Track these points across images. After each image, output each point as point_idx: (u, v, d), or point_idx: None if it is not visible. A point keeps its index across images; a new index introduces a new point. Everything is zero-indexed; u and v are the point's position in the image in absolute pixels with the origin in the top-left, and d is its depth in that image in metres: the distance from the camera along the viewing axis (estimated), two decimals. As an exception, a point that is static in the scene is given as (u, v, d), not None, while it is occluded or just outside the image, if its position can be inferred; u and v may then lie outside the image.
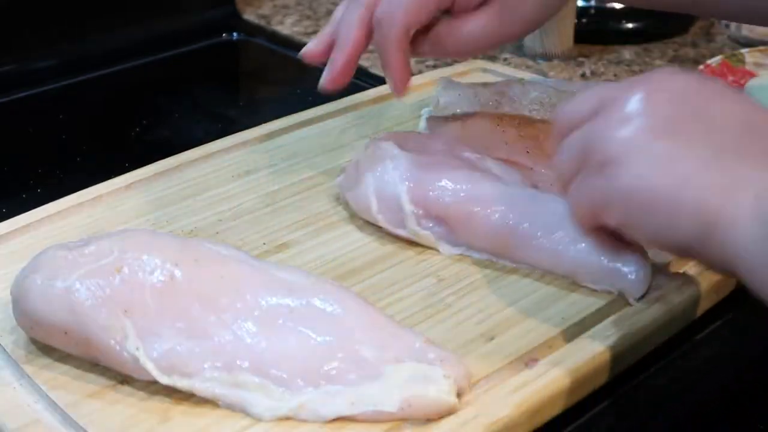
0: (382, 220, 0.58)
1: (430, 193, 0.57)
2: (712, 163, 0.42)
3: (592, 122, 0.46)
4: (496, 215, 0.55)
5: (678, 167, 0.43)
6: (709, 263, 0.45)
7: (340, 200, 0.62)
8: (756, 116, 0.44)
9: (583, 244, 0.53)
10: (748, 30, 0.94)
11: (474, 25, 0.59)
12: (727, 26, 0.96)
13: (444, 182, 0.57)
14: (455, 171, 0.58)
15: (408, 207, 0.56)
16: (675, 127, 0.44)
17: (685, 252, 0.45)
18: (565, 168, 0.48)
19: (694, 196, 0.42)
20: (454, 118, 0.67)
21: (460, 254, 0.57)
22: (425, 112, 0.70)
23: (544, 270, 0.54)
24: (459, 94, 0.69)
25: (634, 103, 0.45)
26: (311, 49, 0.62)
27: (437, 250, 0.57)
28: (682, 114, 0.44)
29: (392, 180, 0.57)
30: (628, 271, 0.52)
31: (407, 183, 0.57)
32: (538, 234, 0.54)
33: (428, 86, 0.77)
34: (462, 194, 0.56)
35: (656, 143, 0.43)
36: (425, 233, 0.57)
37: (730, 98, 0.45)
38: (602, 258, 0.53)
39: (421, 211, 0.57)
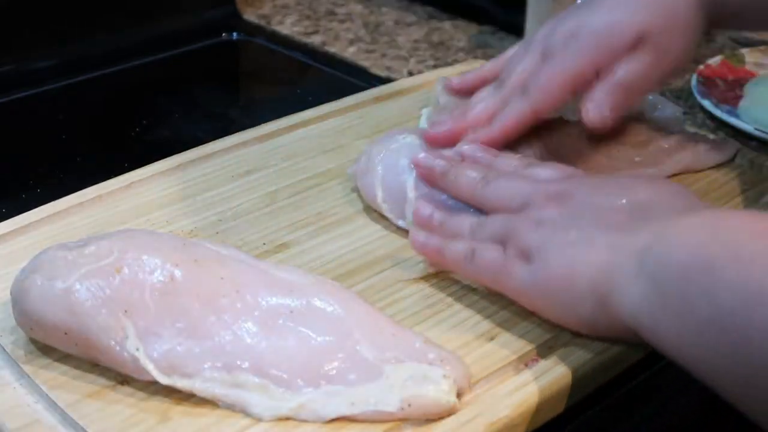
0: (386, 209, 0.58)
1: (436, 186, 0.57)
2: (600, 240, 0.46)
3: (515, 217, 0.51)
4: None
5: (570, 254, 0.47)
6: (618, 336, 0.48)
7: (341, 199, 0.62)
8: (639, 197, 0.49)
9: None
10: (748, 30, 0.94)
11: (633, 74, 0.59)
12: (727, 26, 0.96)
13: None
14: (462, 164, 0.58)
15: (411, 194, 0.57)
16: (573, 222, 0.48)
17: (594, 330, 0.48)
18: (484, 234, 0.52)
19: (586, 275, 0.46)
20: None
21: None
22: (425, 112, 0.70)
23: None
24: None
25: (548, 208, 0.50)
26: (461, 82, 0.66)
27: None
28: (581, 209, 0.49)
29: (402, 169, 0.58)
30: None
31: (415, 173, 0.58)
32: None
33: (428, 86, 0.77)
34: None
35: (555, 237, 0.48)
36: None
37: (633, 184, 0.50)
38: None
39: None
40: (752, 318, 0.38)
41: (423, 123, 0.69)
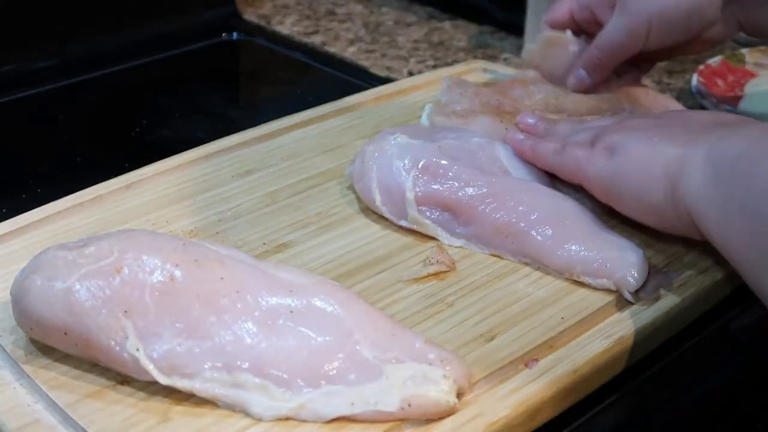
0: (386, 212, 0.59)
1: (435, 183, 0.57)
2: (680, 138, 0.51)
3: (609, 125, 0.58)
4: (500, 207, 0.56)
5: (652, 145, 0.52)
6: (679, 225, 0.51)
7: (341, 199, 0.62)
8: (728, 118, 0.55)
9: (582, 238, 0.54)
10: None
11: (603, 36, 0.68)
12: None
13: (450, 173, 0.57)
14: (462, 162, 0.58)
15: (410, 195, 0.57)
16: (660, 125, 0.55)
17: (663, 219, 0.52)
18: (577, 138, 0.58)
19: (663, 163, 0.51)
20: (456, 114, 0.67)
21: (460, 246, 0.57)
22: (428, 108, 0.70)
23: (542, 263, 0.55)
24: (461, 93, 0.70)
25: (636, 119, 0.58)
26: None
27: (438, 247, 0.57)
28: (668, 119, 0.56)
29: (397, 170, 0.58)
30: (624, 265, 0.52)
31: (413, 172, 0.58)
32: (539, 226, 0.55)
33: (428, 86, 0.77)
34: (467, 186, 0.57)
35: (641, 134, 0.54)
36: (426, 222, 0.57)
37: (712, 113, 0.57)
38: (599, 251, 0.53)
39: (424, 200, 0.57)
40: None
41: (424, 120, 0.69)
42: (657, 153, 0.52)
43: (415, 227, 0.58)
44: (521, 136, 0.61)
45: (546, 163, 0.59)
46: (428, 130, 0.64)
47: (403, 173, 0.58)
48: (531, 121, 0.64)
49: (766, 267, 0.44)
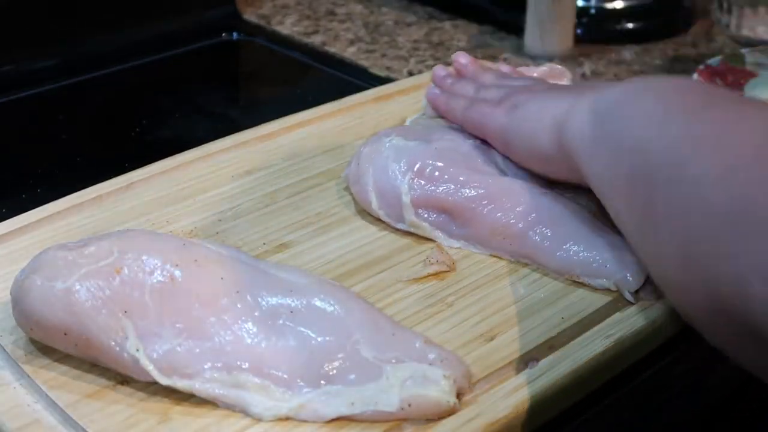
0: (383, 215, 0.58)
1: (432, 185, 0.57)
2: (573, 92, 0.56)
3: (513, 87, 0.63)
4: (498, 208, 0.56)
5: (547, 100, 0.57)
6: (566, 170, 0.55)
7: (341, 199, 0.62)
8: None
9: (581, 239, 0.54)
10: (748, 30, 0.94)
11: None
12: (728, 26, 0.96)
13: (446, 175, 0.57)
14: (458, 163, 0.58)
15: (406, 198, 0.57)
16: (565, 88, 0.60)
17: (549, 164, 0.56)
18: (485, 95, 0.63)
19: (552, 114, 0.55)
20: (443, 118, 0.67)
21: (459, 248, 0.57)
22: (409, 122, 0.70)
23: (541, 264, 0.55)
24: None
25: (547, 85, 0.64)
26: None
27: (438, 247, 0.57)
28: (577, 85, 0.63)
29: (393, 173, 0.58)
30: (624, 265, 0.52)
31: (408, 175, 0.58)
32: (537, 227, 0.55)
33: (428, 86, 0.77)
34: (464, 187, 0.57)
35: (544, 95, 0.59)
36: (424, 225, 0.57)
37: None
38: (598, 251, 0.53)
39: (420, 202, 0.57)
40: (649, 137, 0.45)
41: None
42: (548, 105, 0.56)
43: (412, 230, 0.58)
44: (437, 91, 0.67)
45: (455, 117, 0.64)
46: (423, 131, 0.63)
47: (399, 176, 0.58)
48: (440, 74, 0.69)
49: (632, 200, 0.46)
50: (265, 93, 0.93)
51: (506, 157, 0.60)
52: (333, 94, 0.77)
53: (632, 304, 0.52)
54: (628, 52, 0.95)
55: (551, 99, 0.57)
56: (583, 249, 0.54)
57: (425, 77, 0.80)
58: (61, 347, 0.47)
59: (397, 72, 0.90)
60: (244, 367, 0.45)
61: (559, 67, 0.73)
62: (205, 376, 0.45)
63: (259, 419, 0.44)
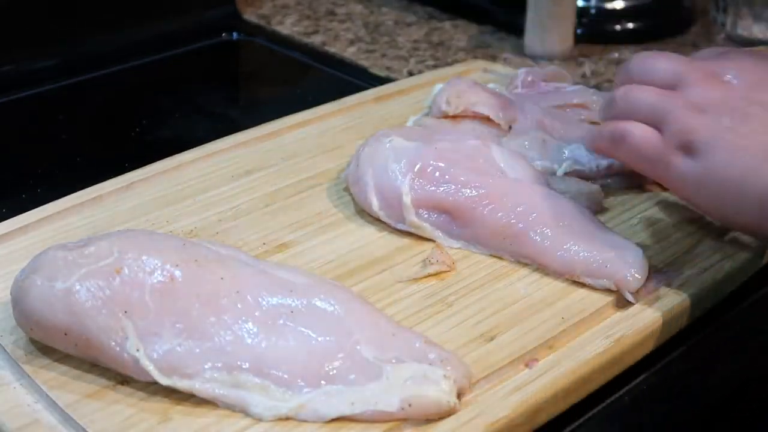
0: (383, 216, 0.58)
1: (433, 186, 0.57)
2: None
3: (671, 95, 0.50)
4: (498, 209, 0.56)
5: (744, 159, 0.47)
6: None
7: (341, 199, 0.62)
8: None
9: (581, 239, 0.54)
10: (743, 29, 0.94)
11: None
12: (724, 25, 0.96)
13: (447, 175, 0.57)
14: (459, 164, 0.58)
15: (407, 199, 0.57)
16: (741, 120, 0.48)
17: (750, 231, 0.51)
18: (620, 110, 0.52)
19: (758, 188, 0.46)
20: (446, 116, 0.67)
21: (459, 248, 0.57)
22: (412, 121, 0.70)
23: (542, 263, 0.55)
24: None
25: (710, 90, 0.50)
26: None
27: (438, 247, 0.57)
28: (747, 104, 0.48)
29: (393, 173, 0.58)
30: (624, 265, 0.52)
31: (409, 175, 0.58)
32: (537, 227, 0.55)
33: (428, 86, 0.77)
34: (465, 188, 0.57)
35: (726, 134, 0.48)
36: (425, 225, 0.57)
37: None
38: (599, 251, 0.53)
39: (421, 203, 0.57)
40: None
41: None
42: (749, 176, 0.46)
43: (413, 230, 0.58)
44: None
45: (612, 153, 0.54)
46: (423, 131, 0.63)
47: (400, 176, 0.58)
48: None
49: None
50: (265, 93, 0.93)
51: (506, 156, 0.60)
52: (333, 94, 0.77)
53: (632, 304, 0.52)
54: (628, 52, 0.95)
55: (747, 156, 0.47)
56: (583, 249, 0.54)
57: (425, 77, 0.80)
58: (61, 347, 0.47)
59: (397, 72, 0.89)
60: (244, 367, 0.45)
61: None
62: (205, 376, 0.45)
63: (259, 419, 0.44)
